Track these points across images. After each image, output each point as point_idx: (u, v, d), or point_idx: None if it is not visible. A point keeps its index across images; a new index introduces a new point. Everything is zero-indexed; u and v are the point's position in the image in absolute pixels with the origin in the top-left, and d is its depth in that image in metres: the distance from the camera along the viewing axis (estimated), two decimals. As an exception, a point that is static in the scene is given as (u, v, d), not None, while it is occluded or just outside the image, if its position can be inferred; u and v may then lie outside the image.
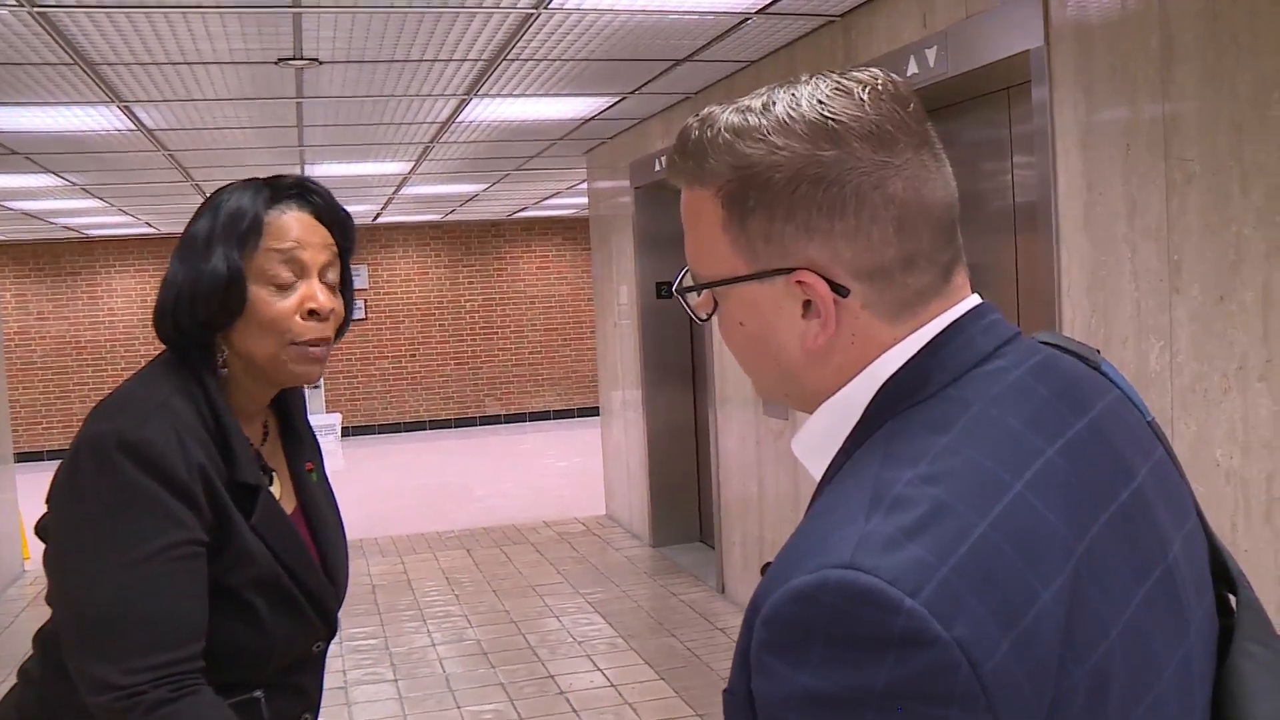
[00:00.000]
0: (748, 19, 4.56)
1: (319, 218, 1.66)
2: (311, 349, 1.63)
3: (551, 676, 5.27)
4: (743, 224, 0.90)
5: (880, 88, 0.90)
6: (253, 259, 1.59)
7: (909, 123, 0.90)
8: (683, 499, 7.70)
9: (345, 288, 1.70)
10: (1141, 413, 1.00)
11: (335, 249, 1.67)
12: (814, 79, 0.91)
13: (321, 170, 8.57)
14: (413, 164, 8.60)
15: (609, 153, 8.09)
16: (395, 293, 15.65)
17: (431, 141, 7.47)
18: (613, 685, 5.11)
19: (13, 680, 1.70)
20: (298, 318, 1.60)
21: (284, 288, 1.60)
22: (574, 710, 4.84)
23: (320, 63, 4.96)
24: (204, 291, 1.57)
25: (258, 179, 1.67)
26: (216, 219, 1.60)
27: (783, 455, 5.52)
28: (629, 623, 5.82)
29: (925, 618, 0.73)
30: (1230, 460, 2.77)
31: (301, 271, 1.62)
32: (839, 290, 0.88)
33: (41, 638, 1.65)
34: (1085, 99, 3.22)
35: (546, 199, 12.55)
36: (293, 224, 1.62)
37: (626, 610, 6.06)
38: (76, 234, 13.81)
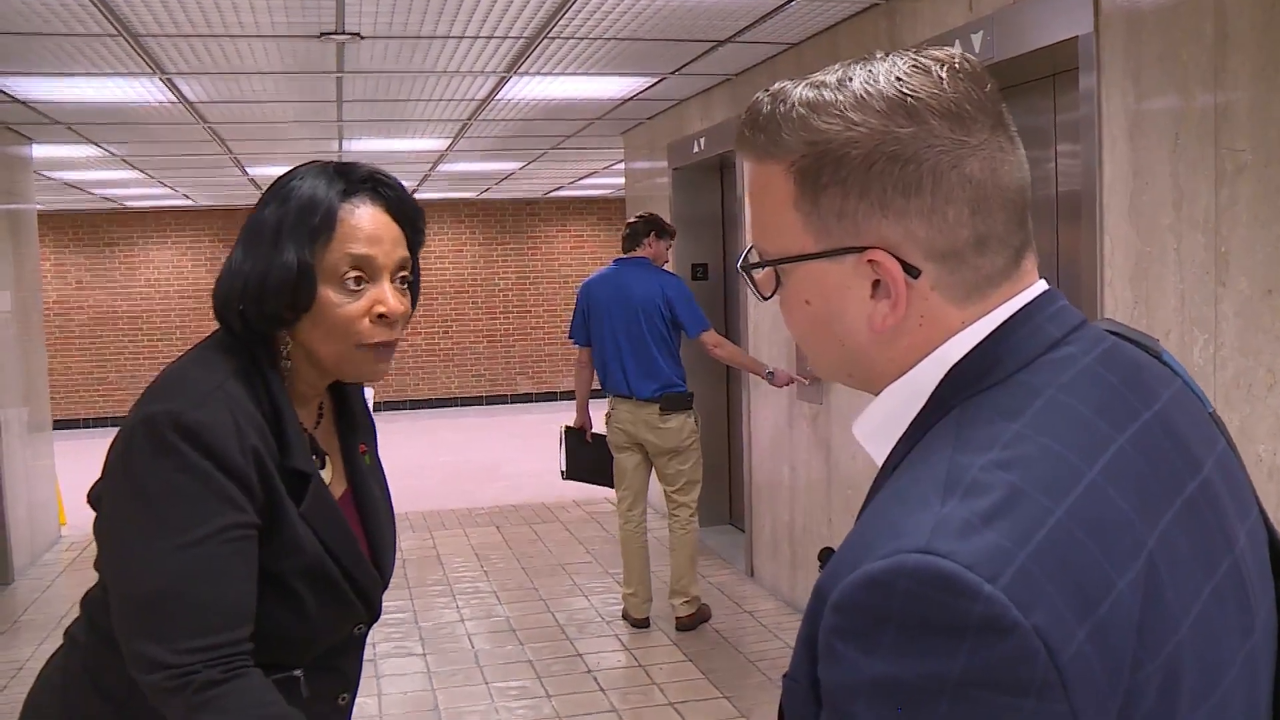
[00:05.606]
0: (791, 1, 4.52)
1: (391, 212, 1.60)
2: (378, 352, 1.59)
3: (579, 655, 5.29)
4: (815, 200, 0.88)
5: (958, 66, 0.88)
6: (324, 256, 1.54)
7: (986, 103, 0.88)
8: (714, 481, 7.66)
9: (413, 280, 1.66)
10: (1204, 403, 0.98)
11: (407, 246, 1.62)
12: (890, 56, 0.90)
13: (359, 145, 8.59)
14: (450, 141, 8.60)
15: (647, 133, 8.06)
16: (429, 269, 15.66)
17: (470, 119, 7.47)
18: (640, 665, 5.12)
19: (51, 643, 1.71)
20: (366, 320, 1.56)
21: (354, 289, 1.55)
22: (601, 689, 4.86)
23: (361, 38, 4.96)
24: (273, 285, 1.52)
25: (329, 165, 1.60)
26: (287, 208, 1.55)
27: (816, 439, 5.49)
28: (657, 604, 5.81)
29: (1004, 604, 0.71)
30: (1274, 456, 2.73)
31: (373, 273, 1.57)
32: (910, 271, 0.87)
33: (88, 602, 1.65)
34: (1134, 87, 3.17)
35: (583, 179, 12.54)
36: (366, 222, 1.56)
37: (655, 591, 6.04)
38: (116, 205, 13.92)
